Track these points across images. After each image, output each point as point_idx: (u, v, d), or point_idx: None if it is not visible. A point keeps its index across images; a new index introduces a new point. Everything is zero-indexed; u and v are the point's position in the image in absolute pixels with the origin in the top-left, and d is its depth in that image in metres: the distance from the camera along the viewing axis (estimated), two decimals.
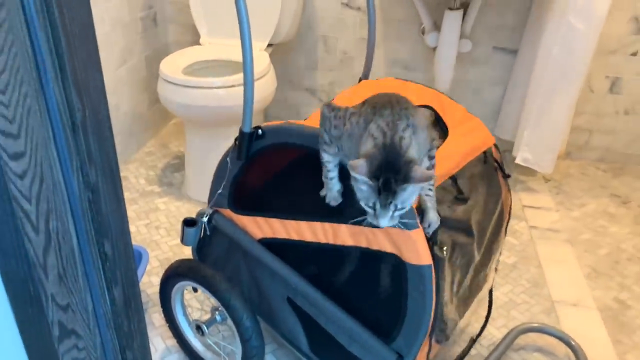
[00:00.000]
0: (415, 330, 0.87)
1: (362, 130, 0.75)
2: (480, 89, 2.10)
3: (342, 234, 0.90)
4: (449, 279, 0.91)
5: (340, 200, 0.87)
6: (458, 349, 1.19)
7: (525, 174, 2.00)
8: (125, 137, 1.99)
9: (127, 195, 1.80)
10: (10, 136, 0.52)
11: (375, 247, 0.87)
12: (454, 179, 0.94)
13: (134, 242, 1.55)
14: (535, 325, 1.26)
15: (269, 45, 1.92)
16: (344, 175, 0.84)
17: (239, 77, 1.59)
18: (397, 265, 0.85)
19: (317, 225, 0.92)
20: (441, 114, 1.04)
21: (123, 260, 0.76)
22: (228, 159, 1.01)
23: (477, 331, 1.21)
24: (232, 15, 1.82)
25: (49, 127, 0.58)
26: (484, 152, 1.03)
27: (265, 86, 1.70)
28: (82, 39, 0.60)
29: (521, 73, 1.93)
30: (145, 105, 2.10)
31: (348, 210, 0.86)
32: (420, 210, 0.81)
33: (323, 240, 0.93)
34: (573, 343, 1.20)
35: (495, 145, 1.06)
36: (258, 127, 0.94)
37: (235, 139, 0.97)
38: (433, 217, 0.80)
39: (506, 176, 1.06)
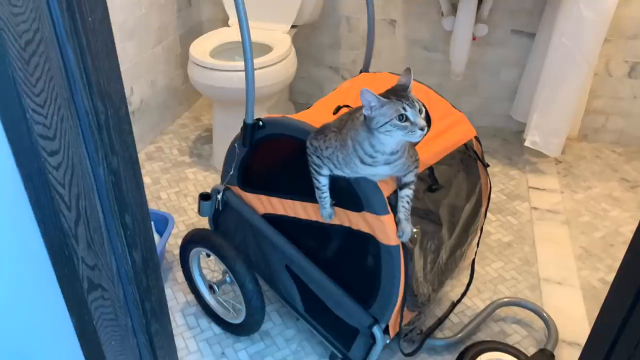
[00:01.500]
0: (387, 299, 1.02)
1: (350, 132, 0.88)
2: (498, 71, 2.16)
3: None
4: (421, 261, 1.05)
5: (334, 215, 1.01)
6: (441, 313, 1.33)
7: (537, 156, 2.06)
8: (161, 110, 2.17)
9: (160, 165, 1.99)
10: (48, 138, 0.69)
11: (355, 227, 1.01)
12: (430, 169, 1.06)
13: (164, 209, 1.75)
14: (515, 299, 1.39)
15: (293, 26, 2.03)
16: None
17: (261, 60, 1.72)
18: (372, 244, 0.99)
19: (308, 205, 1.07)
20: (427, 107, 1.14)
21: (141, 229, 0.93)
22: (236, 144, 1.16)
23: (459, 297, 1.35)
24: None
25: (78, 129, 0.74)
26: (465, 144, 1.14)
27: (286, 67, 1.82)
28: (105, 56, 0.75)
29: (536, 57, 1.97)
30: (180, 80, 2.26)
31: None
32: (396, 219, 0.94)
33: (313, 218, 1.07)
34: (545, 315, 1.32)
35: (476, 138, 1.17)
36: (259, 119, 1.08)
37: (241, 128, 1.12)
38: (406, 228, 0.93)
39: (485, 165, 1.17)
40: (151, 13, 1.99)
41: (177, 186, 1.88)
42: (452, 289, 1.45)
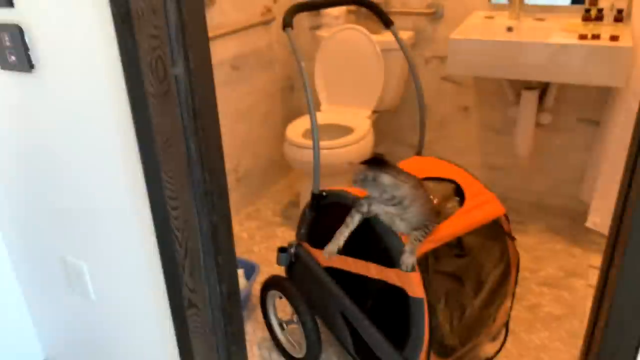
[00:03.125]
0: (415, 343, 1.24)
1: None
2: (566, 155, 2.31)
3: (371, 270, 1.30)
4: (447, 315, 1.26)
5: (335, 254, 1.27)
6: None
7: (602, 237, 2.14)
8: (262, 177, 2.58)
9: (256, 223, 2.37)
10: (172, 198, 1.05)
11: (390, 281, 1.26)
12: (459, 239, 1.29)
13: (254, 259, 2.10)
14: None
15: (375, 112, 2.38)
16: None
17: (340, 140, 2.07)
18: (403, 296, 1.23)
19: (357, 261, 1.34)
20: (462, 187, 1.39)
21: (229, 268, 1.26)
22: (306, 209, 1.48)
23: (496, 358, 1.50)
24: (345, 86, 2.32)
25: (191, 194, 1.10)
26: (494, 220, 1.35)
27: (365, 146, 2.15)
28: (213, 146, 1.12)
29: (600, 143, 2.11)
30: (279, 153, 2.67)
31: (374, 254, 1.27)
32: (402, 250, 1.19)
33: (360, 272, 1.34)
34: None
35: (505, 215, 1.38)
36: (323, 191, 1.40)
37: (311, 196, 1.44)
38: (407, 259, 1.17)
39: (512, 239, 1.37)
40: (259, 101, 2.45)
41: (268, 242, 2.23)
42: (492, 350, 1.60)
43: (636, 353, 0.81)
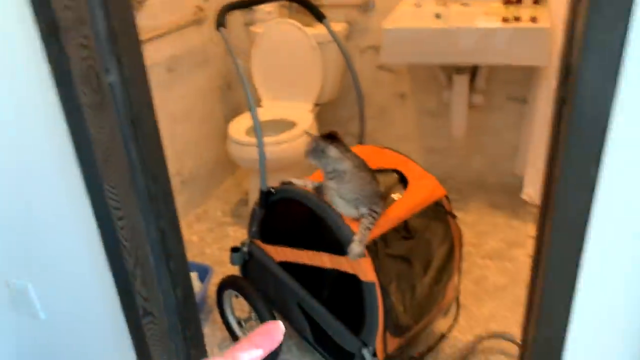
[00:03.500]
0: (371, 326, 1.28)
1: None
2: (499, 132, 2.42)
3: (325, 260, 1.34)
4: (400, 296, 1.31)
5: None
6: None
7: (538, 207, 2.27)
8: (208, 178, 2.56)
9: (206, 225, 2.35)
10: (117, 209, 1.04)
11: (343, 269, 1.29)
12: (405, 222, 1.34)
13: (207, 262, 2.09)
14: (500, 333, 1.60)
15: (316, 104, 2.40)
16: None
17: (284, 135, 2.08)
18: (356, 281, 1.27)
19: (310, 253, 1.37)
20: (405, 174, 1.44)
21: (182, 273, 1.26)
22: (256, 207, 1.49)
23: (452, 333, 1.58)
24: (284, 80, 2.33)
25: (137, 200, 1.09)
26: (436, 202, 1.42)
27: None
28: (155, 152, 1.11)
29: (528, 119, 2.23)
30: (224, 152, 2.66)
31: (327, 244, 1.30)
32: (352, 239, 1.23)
33: (314, 263, 1.37)
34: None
35: (446, 196, 1.44)
36: (271, 187, 1.42)
37: (260, 194, 1.45)
38: (355, 249, 1.21)
39: (454, 217, 1.44)
40: (197, 101, 2.42)
41: (220, 242, 2.22)
42: (445, 325, 1.68)
43: (569, 312, 0.88)
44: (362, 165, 1.25)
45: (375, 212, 1.24)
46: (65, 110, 0.93)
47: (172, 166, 2.28)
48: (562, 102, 0.75)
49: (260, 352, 0.31)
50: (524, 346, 1.07)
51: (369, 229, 1.23)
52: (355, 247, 1.21)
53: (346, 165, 1.23)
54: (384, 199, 1.30)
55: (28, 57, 0.90)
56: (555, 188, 0.76)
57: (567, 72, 0.81)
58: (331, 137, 1.26)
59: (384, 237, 1.30)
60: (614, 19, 0.64)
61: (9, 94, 0.97)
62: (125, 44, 0.98)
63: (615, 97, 0.65)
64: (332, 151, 1.23)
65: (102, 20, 0.93)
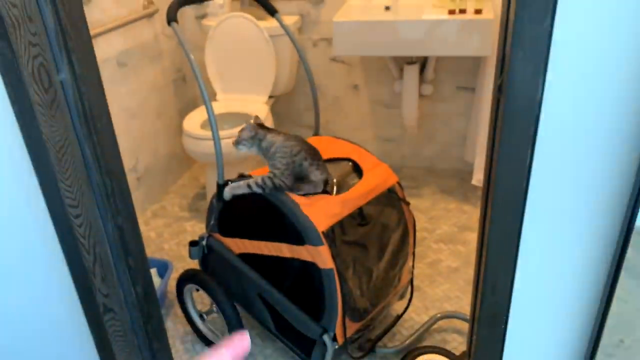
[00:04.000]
0: (330, 312, 1.33)
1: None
2: (449, 121, 2.51)
3: (284, 250, 1.37)
4: (357, 281, 1.36)
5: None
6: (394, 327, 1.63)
7: None
8: (164, 173, 2.54)
9: (163, 220, 2.34)
10: (73, 207, 1.04)
11: (302, 258, 1.33)
12: (360, 209, 1.39)
13: (166, 257, 2.08)
14: (453, 312, 1.68)
15: (271, 97, 2.42)
16: None
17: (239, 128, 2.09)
18: (315, 269, 1.31)
19: (269, 243, 1.40)
20: (359, 163, 1.49)
21: (141, 269, 1.26)
22: (213, 200, 1.50)
23: (405, 313, 1.64)
24: (238, 73, 2.33)
25: (93, 198, 1.09)
26: (389, 189, 1.47)
27: None
28: (110, 148, 1.11)
29: (476, 107, 2.32)
30: (179, 147, 2.65)
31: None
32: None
33: (274, 254, 1.40)
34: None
35: (399, 183, 1.50)
36: (228, 180, 1.43)
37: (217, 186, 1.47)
38: (226, 193, 1.44)
39: (407, 203, 1.50)
40: (151, 96, 2.39)
41: (178, 238, 2.22)
42: (401, 307, 1.75)
43: (512, 283, 0.95)
44: (291, 138, 1.37)
45: (273, 173, 1.34)
46: (16, 110, 0.92)
47: (128, 162, 2.25)
48: (499, 91, 0.81)
49: None
50: (472, 320, 1.14)
51: (253, 185, 1.35)
52: (226, 192, 1.39)
53: (273, 139, 1.38)
54: (329, 184, 1.36)
55: None
56: (495, 170, 0.82)
57: (502, 62, 0.88)
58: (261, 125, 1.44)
59: (341, 224, 1.35)
60: (541, 13, 0.69)
61: None
62: (76, 41, 0.98)
63: (544, 86, 0.71)
64: (268, 136, 1.40)
65: (52, 16, 0.92)
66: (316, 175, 1.34)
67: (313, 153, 1.35)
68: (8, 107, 0.93)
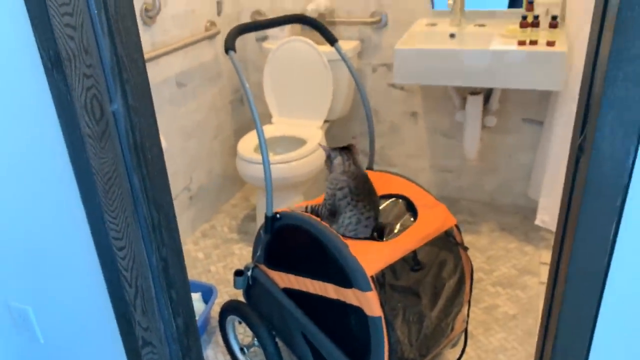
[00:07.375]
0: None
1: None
2: (515, 154, 2.38)
3: (330, 290, 1.30)
4: (406, 330, 1.27)
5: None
6: None
7: (552, 233, 2.22)
8: (216, 193, 2.54)
9: (212, 241, 2.33)
10: (118, 239, 1.02)
11: (349, 301, 1.26)
12: (414, 252, 1.31)
13: (212, 281, 2.06)
14: None
15: (326, 121, 2.38)
16: None
17: (295, 153, 2.05)
18: (362, 314, 1.23)
19: (315, 282, 1.33)
20: (413, 201, 1.41)
21: (183, 301, 1.23)
22: (261, 231, 1.46)
23: None
24: (295, 97, 2.31)
25: (139, 230, 1.07)
26: (446, 231, 1.38)
27: (318, 157, 2.14)
28: (159, 179, 1.09)
29: (544, 142, 2.18)
30: (233, 167, 2.64)
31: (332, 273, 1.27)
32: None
33: (319, 293, 1.33)
34: None
35: (457, 226, 1.40)
36: (277, 213, 1.39)
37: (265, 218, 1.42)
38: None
39: (465, 248, 1.40)
40: (209, 116, 2.40)
41: (225, 260, 2.20)
42: (453, 356, 1.63)
43: (589, 347, 0.84)
44: (358, 176, 1.34)
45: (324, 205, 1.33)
46: (67, 142, 0.91)
47: (182, 181, 2.26)
48: (579, 149, 0.71)
49: None
50: None
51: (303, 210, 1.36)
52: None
53: (337, 168, 1.35)
54: (379, 227, 1.30)
55: (31, 88, 0.89)
56: (568, 244, 0.73)
57: (586, 115, 0.78)
58: (346, 148, 1.38)
59: (393, 268, 1.27)
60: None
61: (12, 126, 0.96)
62: (131, 71, 0.96)
63: (637, 151, 0.61)
64: (337, 160, 1.35)
65: (109, 49, 0.91)
66: (345, 219, 1.31)
67: (362, 196, 1.29)
68: (60, 139, 0.92)
